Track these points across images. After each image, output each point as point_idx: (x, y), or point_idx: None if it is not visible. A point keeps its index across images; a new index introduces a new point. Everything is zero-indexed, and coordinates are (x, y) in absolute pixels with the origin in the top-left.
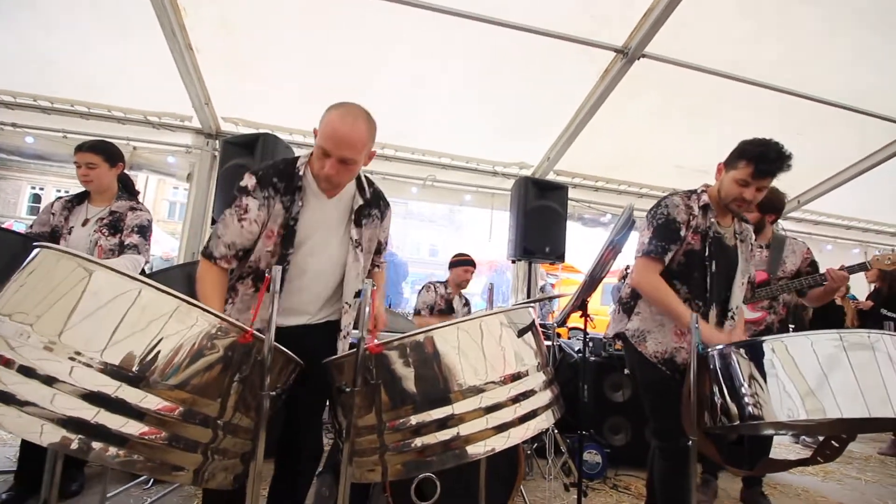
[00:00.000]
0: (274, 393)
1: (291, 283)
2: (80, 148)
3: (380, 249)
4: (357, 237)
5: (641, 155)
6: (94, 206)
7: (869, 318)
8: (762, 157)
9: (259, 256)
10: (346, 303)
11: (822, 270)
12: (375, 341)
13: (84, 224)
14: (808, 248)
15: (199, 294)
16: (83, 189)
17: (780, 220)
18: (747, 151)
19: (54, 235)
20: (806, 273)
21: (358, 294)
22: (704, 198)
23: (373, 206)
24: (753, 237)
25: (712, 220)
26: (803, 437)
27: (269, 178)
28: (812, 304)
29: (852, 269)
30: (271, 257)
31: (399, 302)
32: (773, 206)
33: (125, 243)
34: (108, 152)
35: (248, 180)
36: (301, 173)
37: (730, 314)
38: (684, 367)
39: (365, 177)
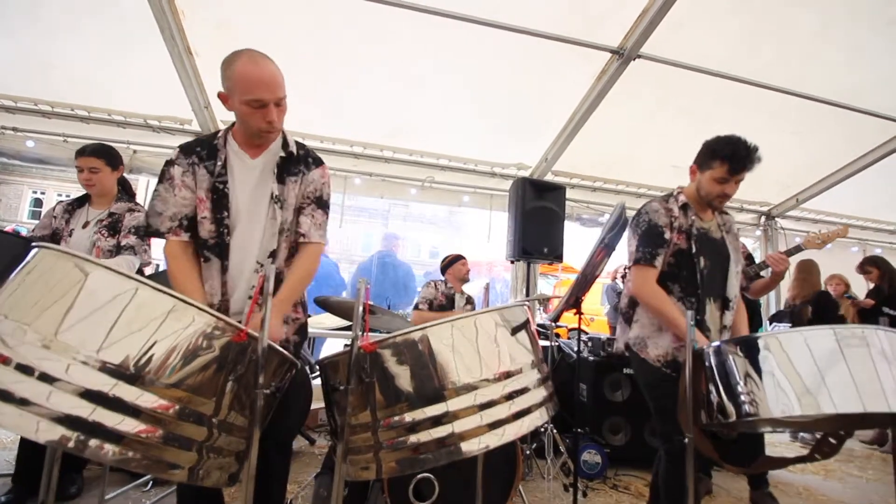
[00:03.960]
0: (268, 391)
1: (234, 251)
2: (82, 152)
3: (301, 209)
4: (278, 193)
5: (638, 155)
6: (94, 209)
7: (870, 317)
8: (735, 155)
9: (199, 227)
10: (258, 262)
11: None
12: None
13: (84, 226)
14: (743, 244)
15: (172, 281)
16: (84, 192)
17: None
18: (718, 151)
19: (55, 238)
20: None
21: (272, 255)
22: (682, 198)
23: (300, 162)
24: (737, 227)
25: (693, 217)
26: (802, 434)
27: (191, 147)
28: (755, 296)
29: (790, 252)
30: (210, 224)
31: (399, 304)
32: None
33: (122, 244)
34: (109, 155)
35: (173, 153)
36: (220, 135)
37: (730, 304)
38: None
39: (297, 142)
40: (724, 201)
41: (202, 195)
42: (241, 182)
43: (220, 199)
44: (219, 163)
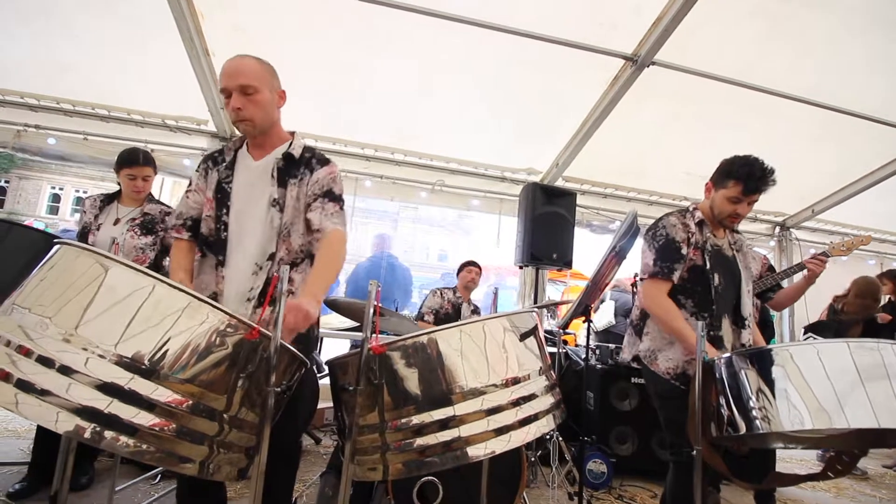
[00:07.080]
0: (279, 389)
1: (231, 248)
2: (136, 161)
3: (309, 208)
4: (277, 196)
5: (650, 162)
6: (123, 207)
7: (886, 331)
8: (750, 176)
9: (203, 225)
10: (256, 263)
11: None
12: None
13: (116, 223)
14: (765, 256)
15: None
16: (115, 190)
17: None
18: (734, 172)
19: (84, 232)
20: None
21: (272, 257)
22: (698, 214)
23: (301, 164)
24: (748, 245)
25: (708, 234)
26: (819, 452)
27: (211, 154)
28: (779, 308)
29: (823, 255)
30: (211, 221)
31: (406, 305)
32: None
33: None
34: (154, 162)
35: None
36: (235, 140)
37: (745, 322)
38: None
39: (306, 146)
40: (735, 221)
41: (210, 195)
42: (241, 182)
43: (223, 198)
44: (226, 168)
